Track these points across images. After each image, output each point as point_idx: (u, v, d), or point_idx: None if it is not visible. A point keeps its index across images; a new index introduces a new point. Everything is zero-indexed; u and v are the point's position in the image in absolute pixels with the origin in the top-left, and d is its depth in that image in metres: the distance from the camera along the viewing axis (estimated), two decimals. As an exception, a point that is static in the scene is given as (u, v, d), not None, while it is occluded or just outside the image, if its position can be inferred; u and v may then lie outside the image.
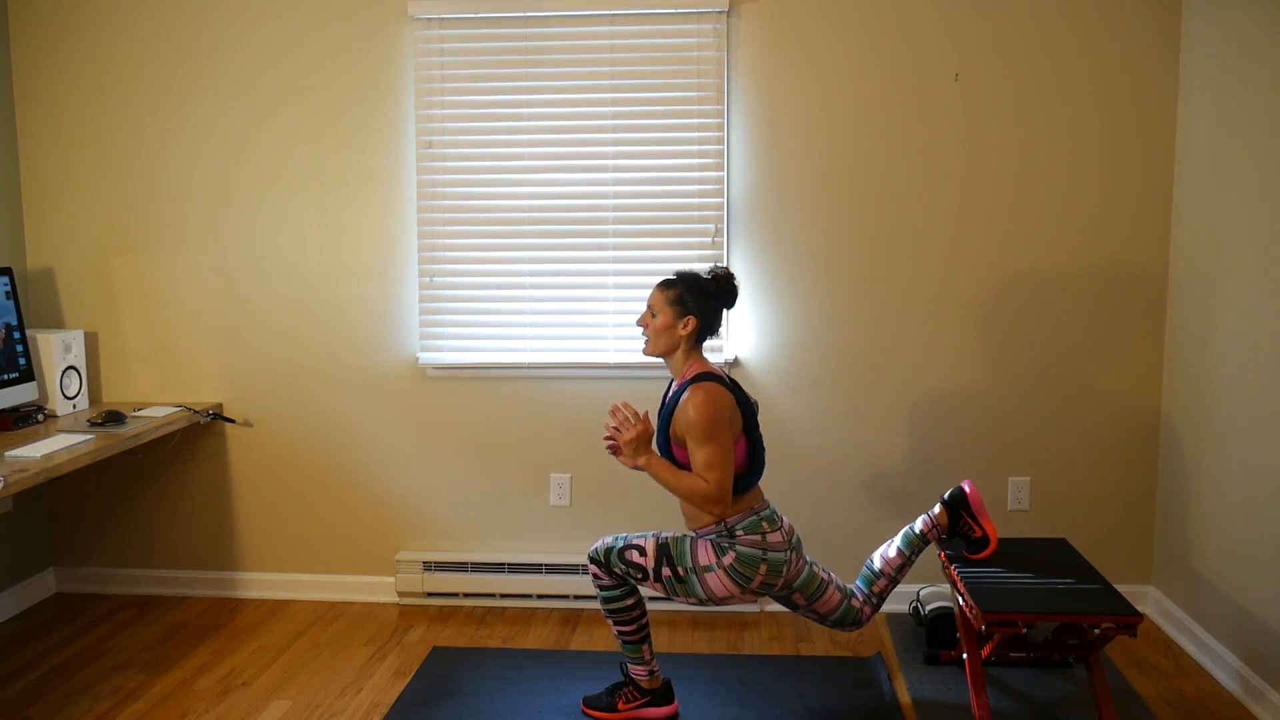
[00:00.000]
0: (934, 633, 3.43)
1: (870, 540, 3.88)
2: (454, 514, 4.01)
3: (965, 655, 3.03)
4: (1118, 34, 3.65)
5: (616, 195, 3.80)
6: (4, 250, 3.91)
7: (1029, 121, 3.70)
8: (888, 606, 3.89)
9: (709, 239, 3.78)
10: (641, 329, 3.02)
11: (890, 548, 3.19)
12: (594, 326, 3.86)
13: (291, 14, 3.84)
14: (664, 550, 2.96)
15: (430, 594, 3.98)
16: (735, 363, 3.84)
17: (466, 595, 3.98)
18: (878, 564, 3.18)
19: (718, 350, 3.80)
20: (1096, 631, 2.84)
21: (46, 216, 4.00)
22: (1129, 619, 2.78)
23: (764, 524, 2.92)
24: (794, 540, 2.99)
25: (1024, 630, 2.97)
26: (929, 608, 3.49)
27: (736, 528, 2.91)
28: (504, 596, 3.97)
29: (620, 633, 3.06)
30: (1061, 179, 3.71)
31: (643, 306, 3.62)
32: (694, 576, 2.94)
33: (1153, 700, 3.20)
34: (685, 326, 2.94)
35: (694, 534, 3.00)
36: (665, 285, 2.98)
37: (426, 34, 3.79)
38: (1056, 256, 3.74)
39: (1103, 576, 3.05)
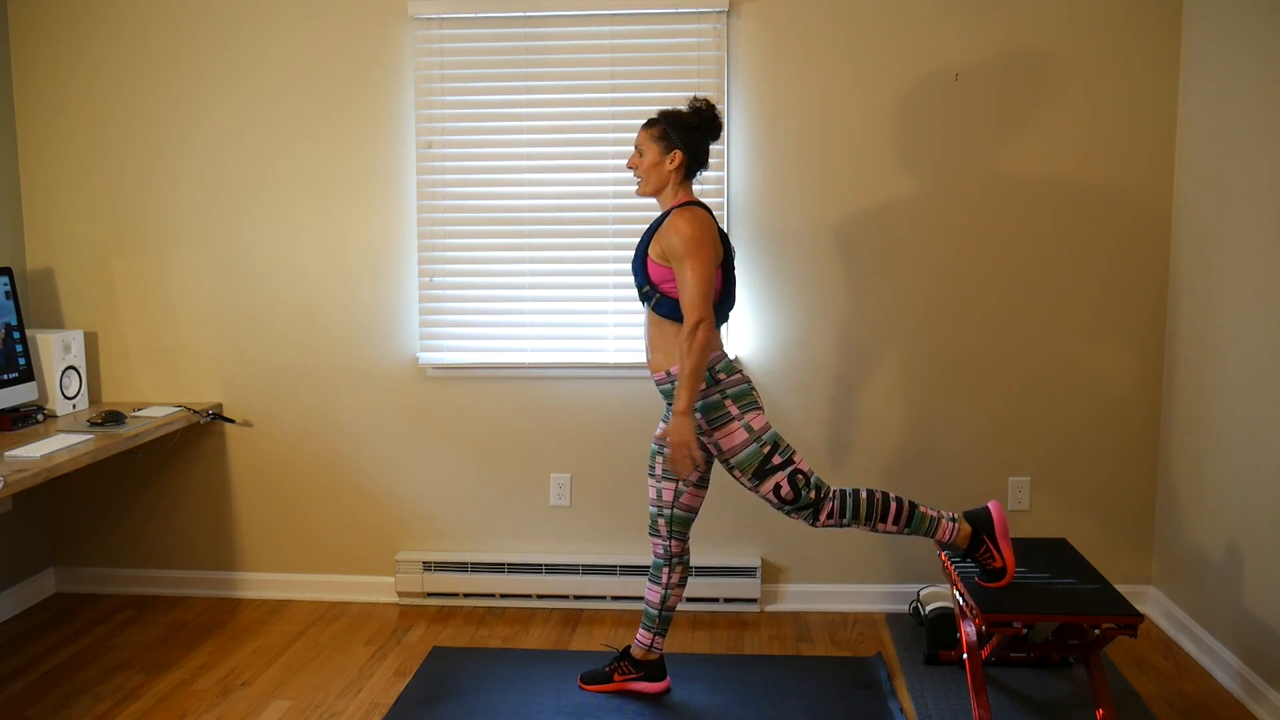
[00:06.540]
0: (934, 633, 3.43)
1: (869, 540, 3.88)
2: (454, 514, 4.01)
3: (965, 655, 3.03)
4: (1117, 34, 3.65)
5: (616, 195, 3.80)
6: (4, 250, 3.91)
7: (1028, 122, 3.70)
8: (888, 606, 3.89)
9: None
10: (633, 171, 3.08)
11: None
12: (594, 326, 3.86)
13: (292, 14, 3.84)
14: (749, 441, 2.97)
15: (430, 594, 3.98)
16: (735, 362, 3.83)
17: (466, 595, 3.98)
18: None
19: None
20: (1097, 632, 2.84)
21: (46, 216, 4.00)
22: (1129, 619, 2.78)
23: (734, 364, 3.04)
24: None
25: (1024, 630, 2.97)
26: (929, 608, 3.49)
27: (717, 371, 2.99)
28: (504, 596, 3.97)
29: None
30: (1062, 178, 3.71)
31: (642, 313, 3.64)
32: (754, 433, 2.97)
33: (1153, 700, 3.20)
34: (672, 161, 3.00)
35: (698, 407, 2.98)
36: (649, 124, 3.05)
37: (426, 34, 3.79)
38: (1057, 256, 3.74)
39: (1103, 576, 3.05)
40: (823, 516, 2.99)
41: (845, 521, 2.99)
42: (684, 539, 3.19)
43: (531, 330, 3.88)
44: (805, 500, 2.97)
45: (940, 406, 3.83)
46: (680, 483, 3.14)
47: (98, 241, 3.99)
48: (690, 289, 2.88)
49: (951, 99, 3.71)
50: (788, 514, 3.01)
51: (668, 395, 3.06)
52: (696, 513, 3.20)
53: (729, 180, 3.78)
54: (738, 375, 3.02)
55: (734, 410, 2.97)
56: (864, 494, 3.00)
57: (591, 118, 3.79)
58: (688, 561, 3.22)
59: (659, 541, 3.19)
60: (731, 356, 3.09)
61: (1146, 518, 3.83)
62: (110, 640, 3.70)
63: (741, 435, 2.97)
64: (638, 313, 3.78)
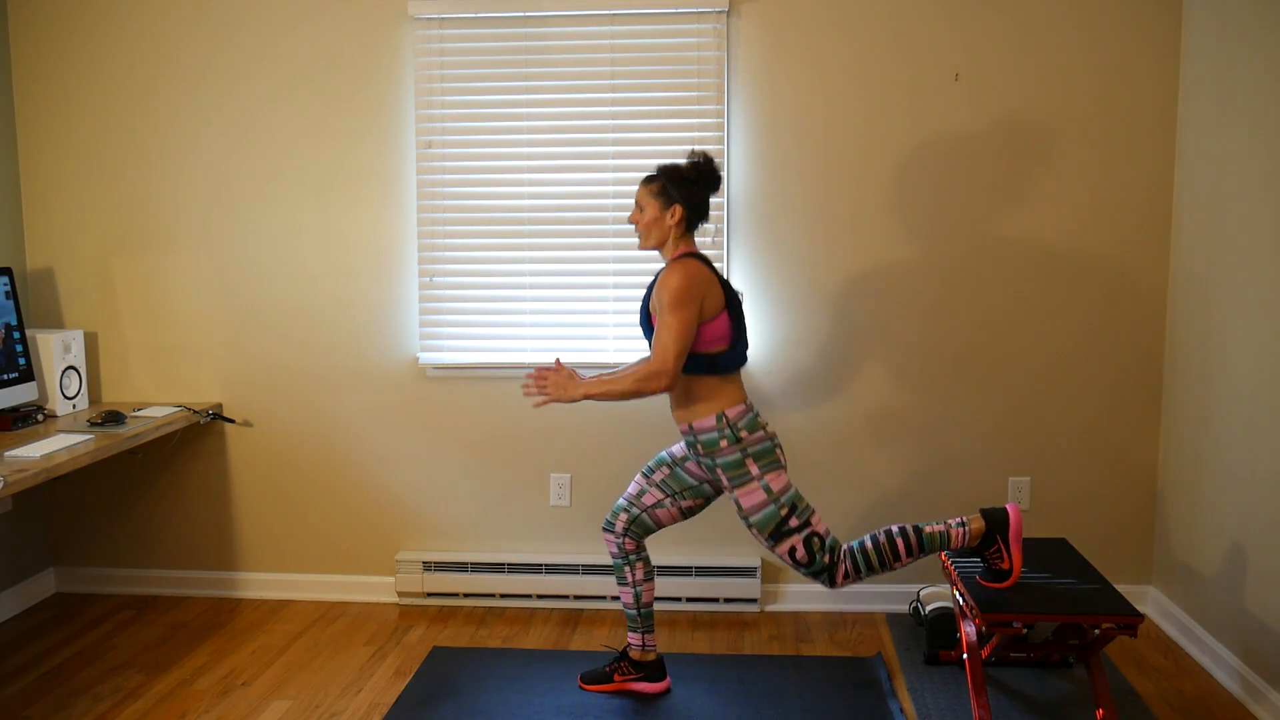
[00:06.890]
0: (934, 633, 3.43)
1: (870, 540, 3.88)
2: (454, 514, 4.01)
3: (965, 655, 3.03)
4: (1118, 34, 3.65)
5: (616, 195, 3.80)
6: (4, 250, 3.91)
7: (1029, 122, 3.70)
8: (888, 606, 3.89)
9: (709, 239, 3.78)
10: (634, 226, 3.09)
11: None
12: (594, 326, 3.86)
13: (292, 14, 3.84)
14: (768, 502, 2.96)
15: (430, 594, 3.98)
16: (758, 417, 3.83)
17: (466, 595, 3.98)
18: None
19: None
20: (1097, 632, 2.84)
21: (46, 216, 4.00)
22: (1129, 619, 2.78)
23: (758, 419, 3.02)
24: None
25: (1024, 630, 2.97)
26: (929, 608, 3.49)
27: (740, 428, 2.96)
28: (504, 596, 3.97)
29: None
30: (1062, 179, 3.71)
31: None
32: (773, 494, 2.97)
33: (1153, 700, 3.20)
34: (673, 216, 3.01)
35: (719, 463, 2.99)
36: (648, 180, 3.06)
37: (426, 34, 3.79)
38: (1057, 256, 3.74)
39: (1103, 576, 3.05)
40: (839, 579, 3.01)
41: (862, 577, 3.01)
42: (638, 539, 3.21)
43: (531, 330, 3.88)
44: (820, 565, 2.99)
45: (941, 407, 3.83)
46: (669, 498, 3.17)
47: (98, 241, 3.99)
48: (663, 340, 2.89)
49: (952, 99, 3.71)
50: (804, 575, 3.03)
51: (691, 445, 3.06)
52: (661, 528, 3.23)
53: (729, 180, 3.77)
54: (760, 433, 3.00)
55: (754, 470, 2.97)
56: (869, 543, 3.01)
57: (591, 118, 3.79)
58: (647, 557, 3.24)
59: (612, 539, 3.21)
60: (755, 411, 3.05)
61: (1146, 518, 3.83)
62: (110, 640, 3.70)
63: (760, 495, 2.97)
64: (637, 313, 3.78)
